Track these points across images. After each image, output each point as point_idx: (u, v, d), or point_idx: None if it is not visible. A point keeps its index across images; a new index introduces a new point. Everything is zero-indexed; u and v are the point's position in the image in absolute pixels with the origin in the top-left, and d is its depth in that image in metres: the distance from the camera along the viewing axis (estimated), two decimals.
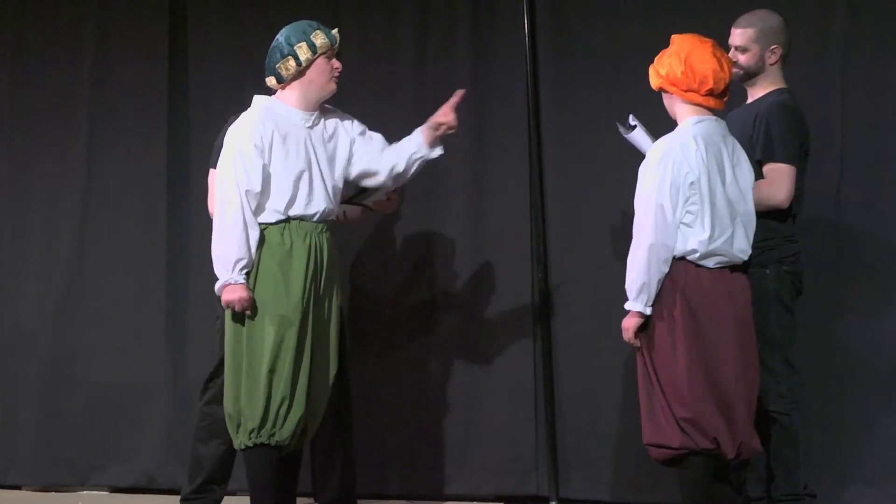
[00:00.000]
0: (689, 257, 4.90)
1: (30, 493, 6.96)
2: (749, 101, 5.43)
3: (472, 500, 6.46)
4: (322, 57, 5.25)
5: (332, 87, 5.31)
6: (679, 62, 4.93)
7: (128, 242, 6.91)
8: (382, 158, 5.39)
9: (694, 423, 4.84)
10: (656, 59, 5.04)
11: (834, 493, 5.90)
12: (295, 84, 5.26)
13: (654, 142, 5.36)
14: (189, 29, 6.94)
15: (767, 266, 5.23)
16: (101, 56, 7.00)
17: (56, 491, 6.96)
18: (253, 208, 5.14)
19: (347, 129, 5.41)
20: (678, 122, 5.03)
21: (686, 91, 4.95)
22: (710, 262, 4.93)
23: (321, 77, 5.26)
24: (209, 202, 5.76)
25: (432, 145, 5.42)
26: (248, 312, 5.11)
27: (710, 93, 4.95)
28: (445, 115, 5.41)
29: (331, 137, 5.37)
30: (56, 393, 6.94)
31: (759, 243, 5.15)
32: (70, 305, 6.95)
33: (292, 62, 5.22)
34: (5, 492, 6.92)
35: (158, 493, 6.74)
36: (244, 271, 5.11)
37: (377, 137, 5.45)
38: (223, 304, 5.13)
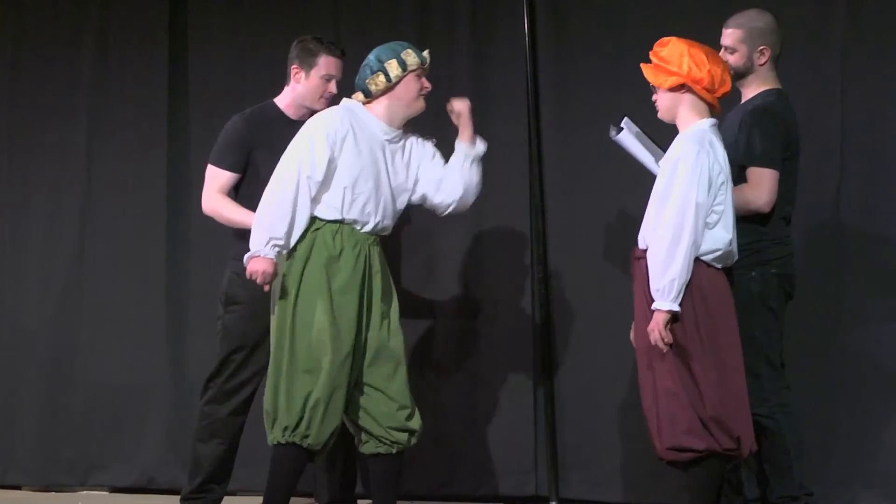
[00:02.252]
0: (706, 257, 4.90)
1: (30, 493, 6.97)
2: (742, 101, 5.43)
3: (472, 500, 6.46)
4: (412, 74, 5.27)
5: (421, 104, 5.33)
6: (703, 62, 4.94)
7: (128, 242, 6.91)
8: (441, 185, 5.40)
9: (720, 423, 4.83)
10: (663, 58, 4.99)
11: (832, 493, 5.89)
12: (382, 99, 5.28)
13: (645, 146, 5.37)
14: (189, 29, 6.94)
15: (753, 268, 5.20)
16: (101, 56, 7.01)
17: (56, 491, 6.96)
18: (312, 195, 5.14)
19: (419, 153, 5.42)
20: (683, 122, 5.00)
21: (706, 90, 4.95)
22: (720, 263, 4.94)
23: (409, 94, 5.28)
24: (203, 197, 5.75)
25: (470, 141, 5.41)
26: (266, 288, 5.10)
27: (722, 95, 4.99)
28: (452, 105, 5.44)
29: (406, 160, 5.37)
30: (56, 393, 6.94)
31: (744, 246, 5.13)
32: (70, 305, 6.96)
33: (382, 78, 5.24)
34: (5, 492, 6.92)
35: (158, 493, 6.74)
36: (275, 249, 5.11)
37: (438, 163, 5.44)
38: (247, 273, 5.12)
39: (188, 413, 6.64)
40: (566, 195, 6.41)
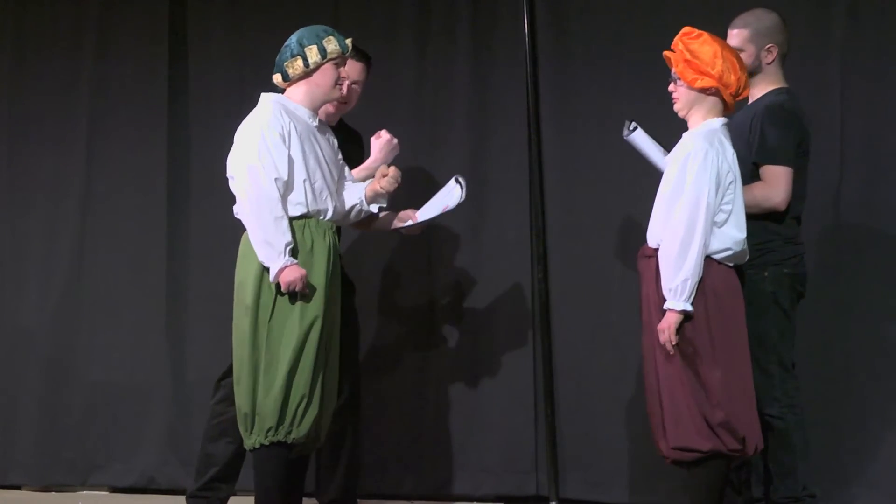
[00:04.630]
0: (717, 255, 4.90)
1: (30, 493, 6.96)
2: (749, 101, 5.43)
3: (472, 501, 6.46)
4: (330, 63, 5.24)
5: (337, 93, 5.31)
6: (735, 67, 4.94)
7: (128, 242, 6.90)
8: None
9: (726, 425, 4.83)
10: (694, 53, 4.95)
11: (833, 493, 5.90)
12: (301, 84, 5.26)
13: (655, 144, 5.38)
14: (189, 29, 6.94)
15: (766, 268, 5.22)
16: (101, 56, 7.00)
17: (56, 491, 6.96)
18: (281, 195, 5.12)
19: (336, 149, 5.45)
20: (696, 119, 4.99)
21: (731, 95, 4.96)
22: (732, 262, 4.95)
23: (326, 82, 5.25)
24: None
25: (371, 201, 5.41)
26: (306, 291, 5.07)
27: (741, 99, 5.02)
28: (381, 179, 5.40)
29: (332, 143, 5.38)
30: (56, 393, 6.93)
31: (758, 245, 5.15)
32: (70, 305, 6.95)
33: (300, 62, 5.22)
34: (5, 492, 6.91)
35: (158, 493, 6.74)
36: (290, 251, 5.08)
37: (348, 178, 5.47)
38: (284, 286, 5.04)
39: (188, 413, 6.66)
40: (566, 195, 6.41)
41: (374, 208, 5.43)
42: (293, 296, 5.09)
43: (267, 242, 5.07)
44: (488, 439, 6.44)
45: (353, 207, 5.41)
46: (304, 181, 5.16)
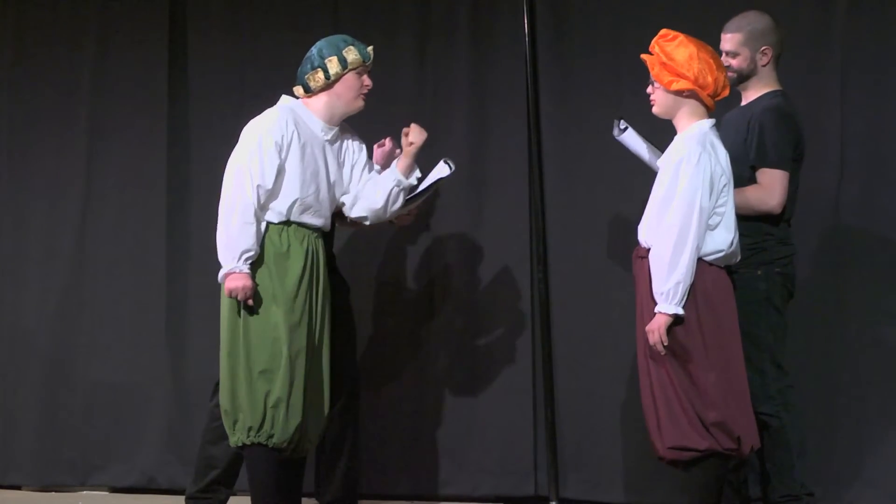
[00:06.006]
0: (708, 258, 4.90)
1: (30, 493, 6.96)
2: (743, 103, 5.43)
3: (472, 501, 6.46)
4: (352, 72, 5.28)
5: (360, 104, 5.34)
6: (711, 68, 4.93)
7: (128, 242, 6.91)
8: (360, 200, 5.42)
9: (721, 425, 4.84)
10: (670, 56, 4.96)
11: (833, 493, 5.91)
12: (322, 95, 5.29)
13: (645, 144, 5.37)
14: (189, 30, 6.94)
15: (759, 268, 5.23)
16: (101, 56, 7.00)
17: (56, 491, 6.96)
18: (262, 203, 5.15)
19: (352, 158, 5.44)
20: (682, 122, 4.99)
21: (710, 96, 4.95)
22: (723, 263, 4.95)
23: (349, 92, 5.29)
24: None
25: (406, 172, 5.42)
26: (250, 302, 5.11)
27: (720, 99, 5.00)
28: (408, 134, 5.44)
29: (342, 159, 5.41)
30: (56, 393, 6.94)
31: (751, 245, 5.16)
32: (70, 305, 6.95)
33: (321, 74, 5.24)
34: (5, 492, 6.92)
35: (158, 493, 6.74)
36: (249, 262, 5.11)
37: (366, 176, 5.45)
38: (226, 291, 5.12)
39: (188, 413, 6.66)
40: (566, 195, 6.40)
41: (413, 180, 5.43)
42: (268, 299, 5.11)
43: (226, 245, 5.12)
44: (487, 439, 6.44)
45: (389, 193, 5.38)
46: (293, 195, 5.19)
